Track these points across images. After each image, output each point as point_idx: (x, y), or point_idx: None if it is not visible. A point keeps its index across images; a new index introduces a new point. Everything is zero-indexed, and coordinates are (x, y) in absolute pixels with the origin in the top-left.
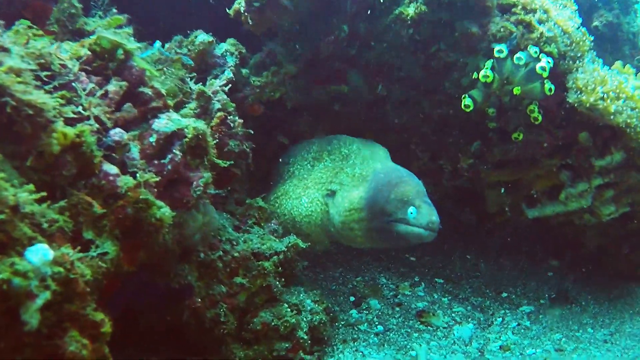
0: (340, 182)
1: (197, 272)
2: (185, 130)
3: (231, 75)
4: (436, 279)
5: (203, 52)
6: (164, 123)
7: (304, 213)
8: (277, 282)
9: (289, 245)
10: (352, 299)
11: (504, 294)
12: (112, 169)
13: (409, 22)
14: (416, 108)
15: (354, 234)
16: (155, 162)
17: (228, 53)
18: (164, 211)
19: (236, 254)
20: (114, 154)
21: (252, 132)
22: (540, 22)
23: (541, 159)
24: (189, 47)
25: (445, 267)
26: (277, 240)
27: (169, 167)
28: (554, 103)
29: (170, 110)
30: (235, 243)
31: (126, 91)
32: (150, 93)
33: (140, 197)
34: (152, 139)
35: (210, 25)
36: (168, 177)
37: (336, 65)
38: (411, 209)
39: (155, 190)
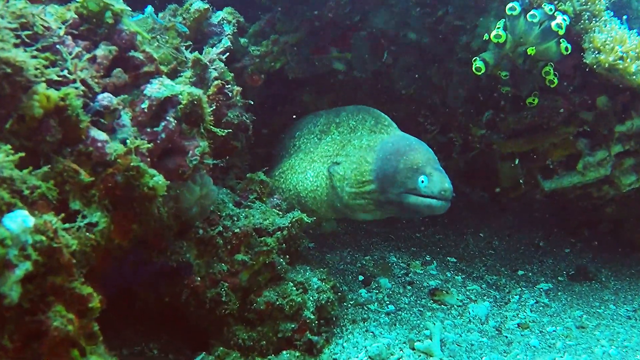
0: (347, 154)
1: (196, 249)
2: (180, 96)
3: (229, 43)
4: (448, 258)
5: (199, 20)
6: (156, 88)
7: (309, 188)
8: (282, 260)
9: (293, 220)
10: (361, 278)
11: (520, 272)
12: (101, 135)
13: None
14: (424, 77)
15: (364, 206)
16: (148, 130)
17: (225, 21)
18: (157, 180)
19: (237, 230)
20: (102, 120)
21: (252, 103)
22: None
23: (557, 126)
24: (184, 15)
25: (457, 245)
26: (280, 215)
27: (163, 135)
28: (569, 65)
29: (164, 76)
30: (236, 219)
31: (116, 56)
32: (141, 57)
33: (131, 164)
34: (144, 105)
35: None
36: (162, 145)
37: (339, 33)
38: (422, 178)
39: (149, 159)
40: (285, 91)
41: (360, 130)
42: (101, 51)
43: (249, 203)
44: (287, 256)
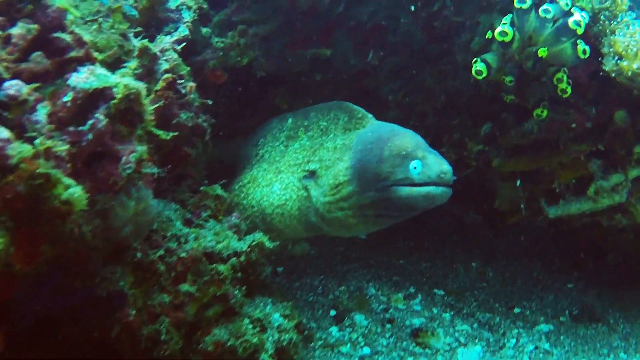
0: (320, 158)
1: (132, 276)
2: (114, 89)
3: (187, 32)
4: (435, 290)
5: (152, 3)
6: (84, 77)
7: (275, 203)
8: (237, 291)
9: (253, 244)
10: (332, 312)
11: (517, 309)
12: (2, 132)
13: None
14: (414, 81)
15: (345, 216)
16: (71, 129)
17: (185, 7)
18: (73, 192)
19: (184, 254)
20: (6, 114)
21: (211, 102)
22: None
23: (567, 143)
24: None
25: (446, 275)
26: (237, 238)
27: (90, 136)
28: (584, 73)
29: (97, 64)
30: (183, 240)
31: (37, 36)
32: (68, 39)
33: (38, 170)
34: (67, 98)
35: None
36: (88, 149)
37: (318, 25)
38: (414, 163)
39: (69, 165)
40: (255, 91)
41: (333, 131)
42: (18, 30)
43: (201, 222)
44: (244, 287)
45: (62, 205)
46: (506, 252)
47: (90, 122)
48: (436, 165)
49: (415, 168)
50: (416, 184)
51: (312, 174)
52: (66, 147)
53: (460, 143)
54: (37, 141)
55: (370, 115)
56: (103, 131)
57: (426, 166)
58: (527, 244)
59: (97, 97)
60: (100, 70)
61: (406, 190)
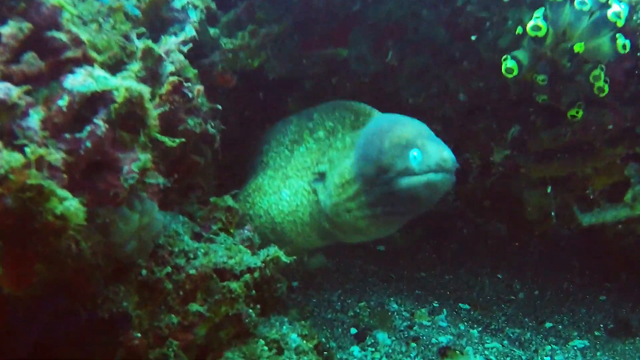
0: (330, 159)
1: (137, 295)
2: (115, 92)
3: (194, 33)
4: (460, 304)
5: (157, 1)
6: (81, 80)
7: (286, 210)
8: (251, 310)
9: (267, 259)
10: (353, 331)
11: (548, 324)
12: None
13: None
14: (437, 83)
15: (354, 218)
16: (67, 136)
17: (191, 6)
18: (69, 205)
19: (192, 272)
20: None
21: (220, 108)
22: None
23: (601, 146)
24: None
25: (471, 289)
26: (250, 252)
27: (88, 143)
28: (620, 70)
29: (95, 65)
30: (192, 256)
31: (29, 36)
32: (64, 39)
33: (29, 182)
34: (63, 102)
35: None
36: (87, 158)
37: (334, 25)
38: (414, 152)
39: (65, 176)
40: (267, 96)
41: (341, 130)
42: (9, 29)
43: (211, 235)
44: (259, 305)
45: (57, 220)
46: (533, 263)
47: (88, 128)
48: (436, 152)
49: (415, 157)
50: (417, 174)
51: (322, 177)
52: (62, 155)
53: (485, 147)
54: (28, 149)
55: (376, 111)
56: (102, 138)
57: (426, 154)
58: (555, 254)
59: (96, 101)
60: (99, 72)
61: (406, 181)
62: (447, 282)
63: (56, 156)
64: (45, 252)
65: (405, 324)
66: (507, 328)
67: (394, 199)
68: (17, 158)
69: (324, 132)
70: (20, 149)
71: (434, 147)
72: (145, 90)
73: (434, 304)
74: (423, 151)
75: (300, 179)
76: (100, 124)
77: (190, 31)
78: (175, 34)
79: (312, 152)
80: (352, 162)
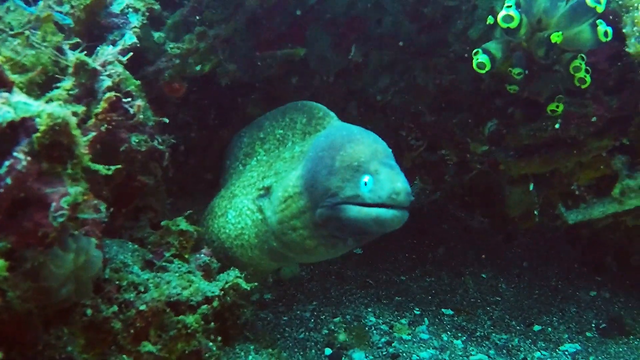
0: (276, 172)
1: (83, 338)
2: (37, 119)
3: (134, 39)
4: (443, 310)
5: (92, 8)
6: None
7: (233, 233)
8: (211, 344)
9: (227, 286)
10: (328, 351)
11: (536, 327)
12: None
13: None
14: (405, 77)
15: (300, 237)
16: None
17: (131, 9)
18: None
19: (143, 307)
20: None
21: (167, 121)
22: None
23: (586, 140)
24: (72, 2)
25: (454, 291)
26: (207, 280)
27: (9, 180)
28: (604, 58)
29: (15, 89)
30: (142, 289)
31: None
32: None
33: None
34: None
35: None
36: (9, 196)
37: (289, 22)
38: (365, 178)
39: None
40: (223, 102)
41: (291, 138)
42: None
43: (164, 263)
44: (219, 337)
45: None
46: (518, 259)
47: (7, 162)
48: (388, 183)
49: (365, 184)
50: (366, 204)
51: (268, 191)
52: None
53: (461, 143)
54: None
55: (332, 114)
56: (25, 173)
57: (377, 183)
58: (541, 247)
59: (15, 131)
60: (19, 97)
61: (355, 211)
62: (428, 285)
63: None
64: None
65: (383, 339)
66: (493, 334)
67: (339, 225)
68: None
69: (274, 142)
70: None
71: (388, 176)
72: (69, 115)
73: (415, 311)
74: (375, 179)
75: (245, 196)
76: (21, 157)
77: (130, 38)
78: (115, 42)
79: (261, 165)
80: (299, 175)
